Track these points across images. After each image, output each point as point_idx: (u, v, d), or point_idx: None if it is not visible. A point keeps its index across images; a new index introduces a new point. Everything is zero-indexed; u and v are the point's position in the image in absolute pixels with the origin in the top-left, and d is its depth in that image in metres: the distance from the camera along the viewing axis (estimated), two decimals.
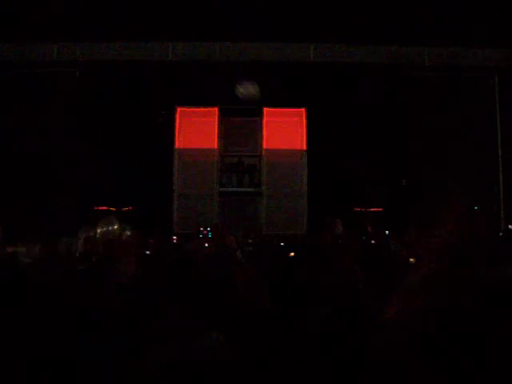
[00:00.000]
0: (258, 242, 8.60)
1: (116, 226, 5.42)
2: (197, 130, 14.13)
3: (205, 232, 10.33)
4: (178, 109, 14.05)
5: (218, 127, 14.23)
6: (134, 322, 2.38)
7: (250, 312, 2.57)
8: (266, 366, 2.08)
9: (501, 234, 10.01)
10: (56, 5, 12.11)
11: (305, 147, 14.07)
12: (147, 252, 5.34)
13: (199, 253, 4.87)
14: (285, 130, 14.27)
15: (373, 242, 7.94)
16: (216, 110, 14.12)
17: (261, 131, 14.37)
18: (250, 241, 8.99)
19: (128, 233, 5.61)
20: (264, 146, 14.29)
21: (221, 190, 14.17)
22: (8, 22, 12.16)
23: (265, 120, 14.24)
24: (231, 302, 2.64)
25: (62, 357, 2.09)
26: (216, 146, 14.23)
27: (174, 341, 2.28)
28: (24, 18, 12.14)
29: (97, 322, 2.36)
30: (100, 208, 12.00)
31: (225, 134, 14.51)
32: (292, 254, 5.75)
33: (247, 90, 6.46)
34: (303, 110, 14.08)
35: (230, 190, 14.37)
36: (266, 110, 14.16)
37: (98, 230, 5.31)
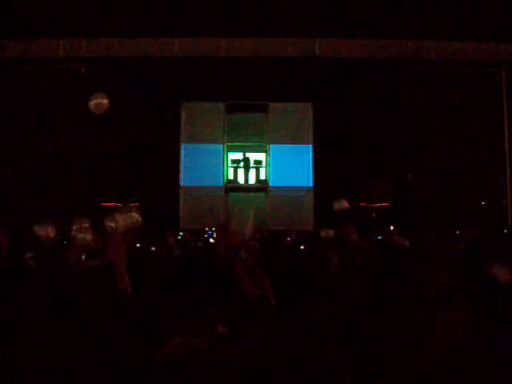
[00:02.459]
0: (265, 239, 8.60)
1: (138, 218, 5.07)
2: (203, 125, 14.13)
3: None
4: (184, 104, 14.06)
5: (224, 122, 14.23)
6: (142, 317, 2.40)
7: (255, 308, 2.58)
8: (270, 359, 2.10)
9: (505, 230, 9.97)
10: (61, 1, 12.14)
11: (311, 142, 14.05)
12: (153, 248, 5.37)
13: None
14: (291, 125, 14.26)
15: (379, 237, 7.94)
16: (222, 105, 14.12)
17: (267, 126, 14.36)
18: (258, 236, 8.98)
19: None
20: (270, 142, 14.29)
21: (227, 185, 14.20)
22: (14, 18, 12.21)
23: (270, 115, 14.23)
24: (236, 299, 2.66)
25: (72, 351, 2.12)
26: (222, 142, 14.25)
27: (180, 335, 2.30)
28: (30, 14, 12.18)
29: (107, 317, 2.38)
30: (107, 204, 12.04)
31: (230, 130, 14.50)
32: (302, 247, 5.78)
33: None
34: (309, 104, 14.05)
35: (236, 185, 14.40)
36: (271, 105, 14.14)
37: (121, 221, 4.97)
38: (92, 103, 6.32)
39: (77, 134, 12.86)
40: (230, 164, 14.52)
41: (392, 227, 9.29)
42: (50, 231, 5.27)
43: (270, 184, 14.13)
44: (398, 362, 1.93)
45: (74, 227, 5.22)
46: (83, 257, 4.49)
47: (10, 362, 2.09)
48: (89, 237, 5.07)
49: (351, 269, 3.90)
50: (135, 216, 4.84)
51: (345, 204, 7.07)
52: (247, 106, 14.21)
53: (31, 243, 4.96)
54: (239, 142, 14.59)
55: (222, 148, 14.24)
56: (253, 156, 14.58)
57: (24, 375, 2.05)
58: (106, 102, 6.25)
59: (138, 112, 13.12)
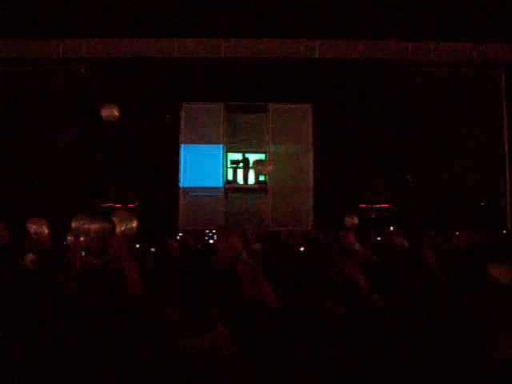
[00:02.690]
0: (266, 240, 8.61)
1: (135, 224, 4.87)
2: (202, 126, 14.14)
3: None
4: (184, 105, 14.07)
5: (224, 123, 14.24)
6: (145, 318, 2.40)
7: (256, 310, 2.58)
8: (269, 361, 2.10)
9: (504, 231, 9.99)
10: (61, 2, 12.15)
11: (310, 143, 14.06)
12: (152, 249, 5.37)
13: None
14: (290, 126, 14.25)
15: (378, 238, 7.95)
16: (222, 106, 14.12)
17: (266, 127, 14.37)
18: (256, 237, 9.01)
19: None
20: (269, 142, 14.29)
21: (226, 186, 14.21)
22: (14, 19, 12.21)
23: (270, 116, 14.23)
24: (238, 301, 2.66)
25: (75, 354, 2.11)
26: (221, 143, 14.25)
27: (181, 335, 2.30)
28: (30, 15, 12.18)
29: (109, 318, 2.38)
30: (106, 205, 12.05)
31: (230, 131, 14.51)
32: (302, 248, 5.77)
33: None
34: (309, 105, 14.06)
35: (236, 186, 14.40)
36: (271, 106, 14.15)
37: (118, 226, 4.83)
38: (103, 112, 6.27)
39: (76, 135, 12.86)
40: (229, 165, 14.52)
41: (392, 228, 9.31)
42: (46, 231, 5.24)
43: (270, 185, 14.12)
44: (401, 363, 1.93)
45: (74, 224, 5.15)
46: (83, 255, 4.47)
47: (10, 362, 2.09)
48: (88, 236, 5.00)
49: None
50: (132, 220, 4.76)
51: (355, 220, 7.10)
52: (247, 107, 14.23)
53: (31, 244, 4.95)
54: (239, 142, 14.60)
55: (221, 149, 14.24)
56: (252, 157, 14.59)
57: (25, 376, 2.05)
58: (116, 112, 6.22)
59: (138, 113, 13.12)
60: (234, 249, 2.70)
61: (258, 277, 2.66)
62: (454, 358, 1.79)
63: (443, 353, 1.89)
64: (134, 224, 4.58)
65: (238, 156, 14.60)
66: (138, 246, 6.19)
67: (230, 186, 14.31)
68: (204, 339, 2.34)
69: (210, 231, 10.40)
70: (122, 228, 4.35)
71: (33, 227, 5.20)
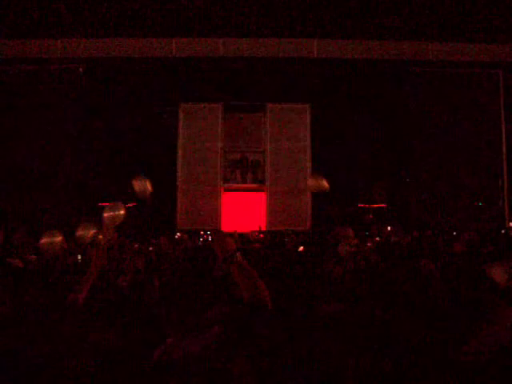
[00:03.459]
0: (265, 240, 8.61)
1: (122, 212, 5.12)
2: (201, 125, 14.12)
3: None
4: (182, 105, 14.05)
5: (222, 123, 14.22)
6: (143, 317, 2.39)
7: (251, 311, 2.57)
8: (266, 362, 2.09)
9: (503, 231, 9.99)
10: (60, 1, 12.12)
11: (308, 143, 14.06)
12: (150, 249, 5.37)
13: None
14: (289, 126, 14.25)
15: (377, 238, 7.95)
16: (220, 106, 14.11)
17: (265, 127, 14.36)
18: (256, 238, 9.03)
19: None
20: (268, 142, 14.28)
21: (224, 186, 14.19)
22: (12, 18, 12.18)
23: (269, 116, 14.23)
24: (232, 301, 2.65)
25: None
26: (220, 142, 14.23)
27: (175, 336, 2.29)
28: (28, 14, 12.16)
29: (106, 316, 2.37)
30: (104, 204, 12.02)
31: (228, 130, 14.49)
32: (301, 248, 5.77)
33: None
34: (307, 105, 14.06)
35: (234, 186, 14.39)
36: (269, 105, 14.15)
37: (105, 214, 5.03)
38: (135, 185, 6.29)
39: (74, 134, 12.83)
40: (227, 164, 14.51)
41: (390, 228, 9.31)
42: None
43: (268, 185, 14.11)
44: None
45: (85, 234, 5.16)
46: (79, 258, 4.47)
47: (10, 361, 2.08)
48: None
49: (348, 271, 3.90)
50: (121, 213, 4.79)
51: (350, 232, 7.08)
52: (245, 107, 14.22)
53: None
54: (237, 142, 14.58)
55: (219, 148, 14.22)
56: (251, 156, 14.58)
57: (22, 374, 2.05)
58: (149, 188, 6.25)
59: (136, 112, 13.11)
60: (227, 250, 2.69)
61: (253, 277, 2.65)
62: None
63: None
64: (122, 212, 4.61)
65: (237, 155, 14.59)
66: (136, 245, 6.18)
67: (228, 186, 14.30)
68: (200, 339, 2.33)
69: (207, 231, 10.40)
70: (109, 214, 4.38)
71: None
